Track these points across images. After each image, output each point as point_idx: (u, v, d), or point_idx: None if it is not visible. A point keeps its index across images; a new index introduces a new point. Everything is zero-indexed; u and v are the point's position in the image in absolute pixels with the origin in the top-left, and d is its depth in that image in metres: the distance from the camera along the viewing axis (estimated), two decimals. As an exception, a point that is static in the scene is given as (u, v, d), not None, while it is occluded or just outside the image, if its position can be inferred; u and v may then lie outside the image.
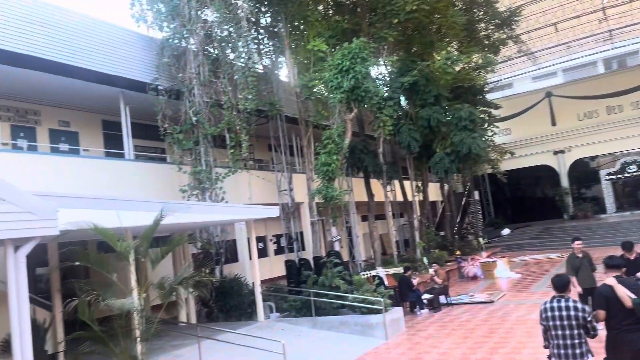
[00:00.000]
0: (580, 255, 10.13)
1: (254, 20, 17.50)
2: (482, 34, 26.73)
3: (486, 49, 25.75)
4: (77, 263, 8.27)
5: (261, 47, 19.11)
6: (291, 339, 10.40)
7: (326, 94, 16.14)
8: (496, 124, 29.33)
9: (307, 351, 10.63)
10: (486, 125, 26.23)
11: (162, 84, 14.80)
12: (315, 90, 16.94)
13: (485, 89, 27.67)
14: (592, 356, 5.45)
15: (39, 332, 9.78)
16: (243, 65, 15.02)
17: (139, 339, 8.08)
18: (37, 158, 12.17)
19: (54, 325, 11.09)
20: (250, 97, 14.77)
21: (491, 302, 14.57)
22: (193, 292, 11.89)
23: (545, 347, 5.71)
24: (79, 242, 10.30)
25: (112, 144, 15.59)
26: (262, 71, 18.54)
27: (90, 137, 15.73)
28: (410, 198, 23.59)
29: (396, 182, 23.99)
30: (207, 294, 9.80)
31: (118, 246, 8.17)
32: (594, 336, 5.42)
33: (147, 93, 14.45)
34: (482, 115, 25.00)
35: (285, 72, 19.80)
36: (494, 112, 28.38)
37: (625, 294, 5.50)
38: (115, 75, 13.92)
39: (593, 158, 36.40)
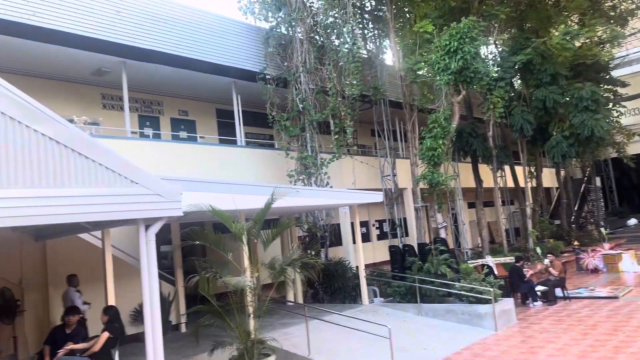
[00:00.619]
0: None
1: (358, 5, 17.46)
2: (607, 4, 24.18)
3: (612, 21, 23.26)
4: (197, 242, 8.89)
5: (365, 31, 19.03)
6: (396, 324, 10.39)
7: (432, 76, 15.67)
8: (623, 103, 26.50)
9: (412, 337, 10.56)
10: (611, 105, 23.80)
11: (269, 73, 15.36)
12: (420, 73, 16.54)
13: (611, 66, 25.04)
14: None
15: (164, 304, 10.73)
16: (348, 51, 15.07)
17: (252, 316, 8.55)
18: (160, 145, 13.30)
19: (177, 298, 12.14)
20: (355, 82, 14.81)
21: (615, 297, 13.38)
22: (301, 273, 12.35)
23: None
24: (197, 223, 11.07)
25: (225, 131, 16.54)
26: (366, 56, 18.47)
27: (206, 125, 16.81)
28: (522, 184, 22.29)
29: (507, 168, 22.82)
30: (314, 276, 10.07)
31: (233, 227, 8.65)
32: None
33: (257, 82, 15.08)
34: (606, 95, 22.72)
35: (389, 56, 19.58)
36: (620, 90, 25.65)
37: None
38: (227, 66, 14.69)
39: None
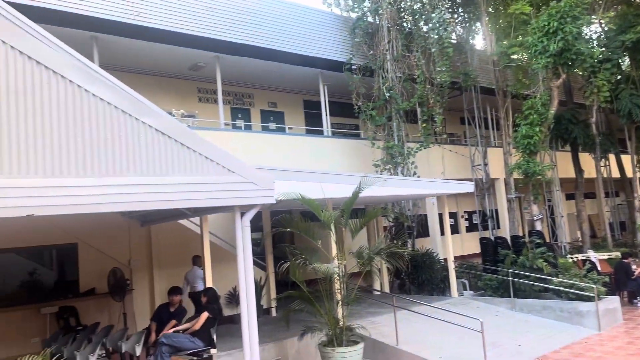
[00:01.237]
0: None
1: (448, -11, 16.89)
2: None
3: None
4: (287, 229, 9.15)
5: (455, 16, 18.37)
6: (488, 318, 10.04)
7: (528, 60, 14.79)
8: None
9: (505, 332, 10.16)
10: None
11: (356, 62, 15.32)
12: (515, 57, 15.68)
13: None
14: None
15: (256, 289, 11.12)
16: (437, 36, 14.64)
17: (340, 303, 8.66)
18: (251, 136, 13.80)
19: (268, 283, 12.58)
20: (444, 69, 14.37)
21: None
22: (388, 262, 12.29)
23: None
24: (286, 212, 11.38)
25: (312, 122, 16.80)
26: (455, 41, 17.84)
27: (294, 116, 17.18)
28: (629, 174, 20.47)
29: (611, 157, 21.07)
30: (402, 266, 9.97)
31: (322, 215, 8.79)
32: None
33: (343, 72, 15.12)
34: None
35: (480, 41, 18.76)
36: None
37: None
38: (314, 57, 14.86)
39: None
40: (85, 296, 9.86)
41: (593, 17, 17.53)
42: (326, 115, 15.41)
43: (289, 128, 16.65)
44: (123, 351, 6.99)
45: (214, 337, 7.51)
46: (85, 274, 10.09)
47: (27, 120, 5.21)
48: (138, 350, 6.87)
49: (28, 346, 8.56)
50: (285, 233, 13.58)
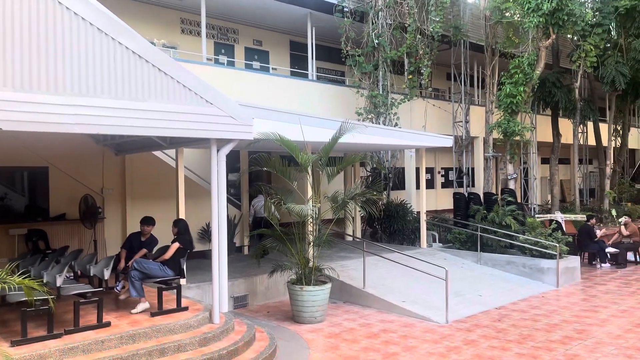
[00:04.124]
0: None
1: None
2: None
3: None
4: (264, 168, 9.13)
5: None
6: (453, 269, 10.36)
7: (521, 17, 14.57)
8: None
9: (468, 283, 10.53)
10: None
11: (347, 5, 14.87)
12: (507, 14, 15.42)
13: None
14: None
15: (229, 227, 11.22)
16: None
17: (312, 244, 8.81)
18: (234, 73, 13.47)
19: (242, 221, 12.68)
20: (437, 19, 14.06)
21: (694, 268, 12.59)
22: (361, 210, 12.44)
23: None
24: (264, 152, 11.31)
25: (297, 64, 16.45)
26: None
27: (279, 57, 16.77)
28: (604, 143, 20.85)
29: (590, 124, 21.35)
30: (376, 213, 10.11)
31: (299, 158, 8.77)
32: None
33: (333, 14, 14.69)
34: None
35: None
36: None
37: None
38: (305, -4, 14.36)
39: None
40: (56, 221, 9.79)
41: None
42: (312, 58, 15.08)
43: (274, 68, 16.28)
44: (91, 274, 7.02)
45: (184, 267, 7.59)
46: (56, 198, 9.97)
47: (-5, 29, 4.95)
48: (106, 274, 6.90)
49: (-5, 266, 8.54)
50: (261, 174, 13.64)
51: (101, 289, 6.91)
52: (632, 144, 25.07)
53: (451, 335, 7.64)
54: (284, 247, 8.66)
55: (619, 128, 22.08)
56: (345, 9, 14.71)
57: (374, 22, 14.52)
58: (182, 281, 7.80)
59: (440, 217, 15.39)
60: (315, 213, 8.91)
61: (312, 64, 15.08)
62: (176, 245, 7.23)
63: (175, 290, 7.08)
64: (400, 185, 17.00)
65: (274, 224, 8.64)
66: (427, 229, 13.44)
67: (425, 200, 13.42)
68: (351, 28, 14.69)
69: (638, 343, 7.19)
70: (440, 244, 13.66)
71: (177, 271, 7.26)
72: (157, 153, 10.48)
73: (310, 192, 9.29)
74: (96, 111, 5.59)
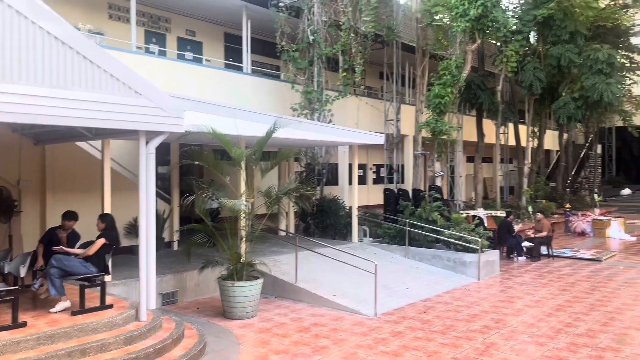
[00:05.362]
0: None
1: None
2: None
3: (641, -17, 22.38)
4: (196, 162, 8.94)
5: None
6: (383, 263, 10.69)
7: (449, 21, 15.19)
8: (638, 72, 25.98)
9: (396, 276, 10.89)
10: (625, 72, 23.34)
11: (283, 0, 14.83)
12: (437, 17, 16.02)
13: (631, 31, 24.30)
14: None
15: (158, 221, 10.90)
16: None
17: (244, 239, 8.75)
18: (165, 63, 13.05)
19: (172, 216, 12.35)
20: (369, 19, 14.35)
21: (598, 260, 13.73)
22: (295, 205, 12.49)
23: None
24: (196, 146, 11.07)
25: (232, 56, 16.20)
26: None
27: (213, 48, 16.44)
28: (523, 143, 22.21)
29: (510, 125, 22.65)
30: (308, 208, 10.20)
31: (233, 152, 8.67)
32: None
33: (269, 8, 14.60)
34: (622, 61, 22.24)
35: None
36: (637, 58, 25.04)
37: None
38: (240, -12, 14.16)
39: None
40: (-35, 215, 9.06)
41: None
42: (247, 51, 14.91)
43: (207, 60, 15.94)
44: (5, 272, 6.58)
45: (109, 264, 7.30)
46: (-35, 190, 9.22)
47: None
48: (22, 272, 6.49)
49: None
50: (193, 168, 13.33)
51: (17, 287, 6.49)
52: (547, 145, 26.89)
53: (379, 328, 7.88)
54: (216, 242, 8.55)
55: (536, 130, 23.58)
56: (280, 4, 14.67)
57: (309, 18, 14.57)
58: (107, 278, 7.49)
59: (371, 213, 15.77)
60: (248, 208, 8.86)
61: (247, 57, 14.92)
62: (101, 241, 6.93)
63: (99, 288, 6.79)
64: (333, 180, 17.24)
65: (205, 218, 8.49)
66: (359, 224, 13.73)
67: (357, 196, 13.71)
68: (286, 23, 14.67)
69: (549, 331, 7.76)
70: (371, 239, 14.01)
71: (101, 268, 6.96)
72: (82, 144, 9.98)
73: (243, 187, 9.22)
74: (12, 98, 5.23)
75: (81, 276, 6.73)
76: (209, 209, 9.18)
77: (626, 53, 23.66)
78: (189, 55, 15.51)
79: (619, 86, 19.26)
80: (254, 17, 14.91)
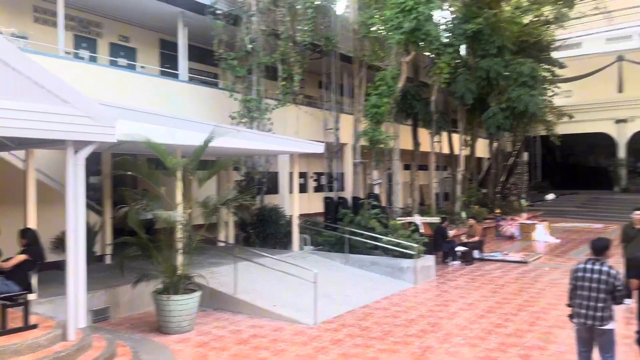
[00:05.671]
0: (638, 226, 9.67)
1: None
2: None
3: (560, 2, 24.01)
4: (129, 172, 8.64)
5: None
6: (323, 271, 10.71)
7: (385, 33, 15.62)
8: (558, 84, 27.84)
9: (337, 284, 10.97)
10: (547, 84, 24.96)
11: (221, 7, 14.68)
12: (373, 28, 16.43)
13: (552, 46, 26.07)
14: (613, 321, 5.42)
15: (89, 234, 10.41)
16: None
17: (180, 251, 8.53)
18: (96, 69, 12.55)
19: (104, 229, 11.83)
20: (307, 29, 14.49)
21: (525, 262, 14.49)
22: (234, 215, 12.32)
23: (569, 305, 5.74)
24: (130, 155, 10.71)
25: (168, 64, 15.82)
26: (321, 3, 18.00)
27: (148, 55, 16.00)
28: (456, 152, 23.15)
29: (444, 134, 23.51)
30: (248, 218, 10.11)
31: (168, 161, 8.46)
32: (619, 303, 5.43)
33: (206, 15, 14.40)
34: (544, 74, 23.76)
35: (344, 7, 19.22)
36: (558, 71, 26.85)
37: None
38: (176, -6, 13.89)
39: (658, 131, 34.34)
40: None
41: (445, 3, 19.08)
42: (184, 58, 14.62)
43: (142, 67, 15.48)
44: None
45: (33, 282, 6.88)
46: None
47: None
48: None
49: None
50: (127, 178, 12.84)
51: None
52: (479, 152, 28.13)
53: (319, 337, 7.91)
54: (151, 255, 8.27)
55: (468, 139, 24.62)
56: (218, 12, 14.51)
57: (247, 27, 14.51)
58: (32, 296, 7.04)
59: (312, 221, 15.84)
60: (185, 219, 8.65)
61: (184, 64, 14.62)
62: (22, 257, 6.52)
63: (22, 307, 6.38)
64: (274, 189, 17.19)
65: (138, 230, 8.20)
66: (300, 232, 13.74)
67: (299, 204, 13.73)
68: (224, 31, 14.53)
69: (481, 333, 8.09)
70: (312, 247, 14.06)
71: (24, 286, 6.54)
72: (3, 154, 9.37)
73: (179, 198, 8.99)
74: None
75: (2, 295, 6.30)
76: (144, 220, 8.92)
77: (548, 66, 25.32)
78: (122, 61, 15.00)
79: (542, 98, 20.54)
80: (191, 24, 14.66)
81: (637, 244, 9.54)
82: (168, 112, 12.12)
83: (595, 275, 5.40)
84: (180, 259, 8.55)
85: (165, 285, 8.23)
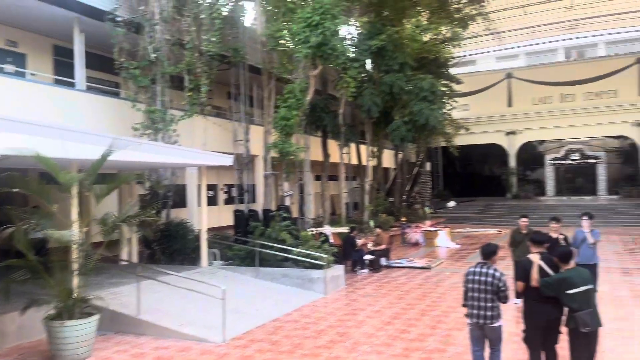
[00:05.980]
0: (524, 232, 10.55)
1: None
2: (453, 7, 26.72)
3: (455, 23, 25.82)
4: (15, 190, 7.94)
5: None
6: (232, 286, 10.53)
7: (292, 46, 15.83)
8: (456, 98, 29.84)
9: (247, 299, 10.82)
10: (446, 98, 26.67)
11: (121, 14, 14.05)
12: (281, 41, 16.58)
13: (450, 63, 27.94)
14: (501, 319, 6.06)
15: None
16: (209, 5, 14.44)
17: (76, 272, 7.97)
18: (-22, 76, 11.46)
19: (-13, 252, 10.75)
20: (214, 39, 14.29)
21: (428, 268, 15.22)
22: (137, 231, 11.74)
23: (464, 306, 6.36)
24: (20, 170, 9.88)
25: (63, 72, 14.82)
26: (228, 14, 17.86)
27: (39, 62, 14.91)
28: (364, 162, 23.92)
29: (353, 145, 24.21)
30: (151, 235, 9.70)
31: (60, 177, 7.91)
32: (505, 302, 6.06)
33: (105, 22, 13.71)
34: (443, 89, 25.38)
35: (252, 19, 19.22)
36: (455, 86, 28.80)
37: (535, 273, 5.90)
38: (70, -2, 13.09)
39: (541, 142, 37.92)
40: None
41: (350, 19, 19.76)
42: (81, 66, 13.77)
43: (32, 74, 14.37)
44: None
45: None
46: None
47: None
48: None
49: None
50: (17, 196, 11.78)
51: None
52: (385, 163, 29.30)
53: (228, 354, 7.74)
54: (41, 278, 7.65)
55: (375, 150, 25.56)
56: (117, 19, 13.87)
57: (151, 35, 14.01)
58: None
59: (221, 235, 15.53)
60: (81, 238, 8.11)
61: (81, 72, 13.76)
62: None
63: None
64: (181, 202, 16.65)
65: (27, 252, 7.55)
66: (209, 247, 13.40)
67: (208, 218, 13.39)
68: (126, 39, 13.91)
69: (387, 339, 8.35)
70: (222, 262, 13.76)
71: None
72: None
73: (74, 216, 8.42)
74: None
75: None
76: (35, 240, 8.24)
77: (446, 82, 27.08)
78: (9, 68, 13.84)
79: (441, 111, 21.88)
80: (89, 30, 13.86)
81: (524, 247, 10.39)
82: (63, 123, 11.38)
83: (483, 278, 5.98)
84: (75, 280, 7.98)
85: (59, 310, 7.65)
